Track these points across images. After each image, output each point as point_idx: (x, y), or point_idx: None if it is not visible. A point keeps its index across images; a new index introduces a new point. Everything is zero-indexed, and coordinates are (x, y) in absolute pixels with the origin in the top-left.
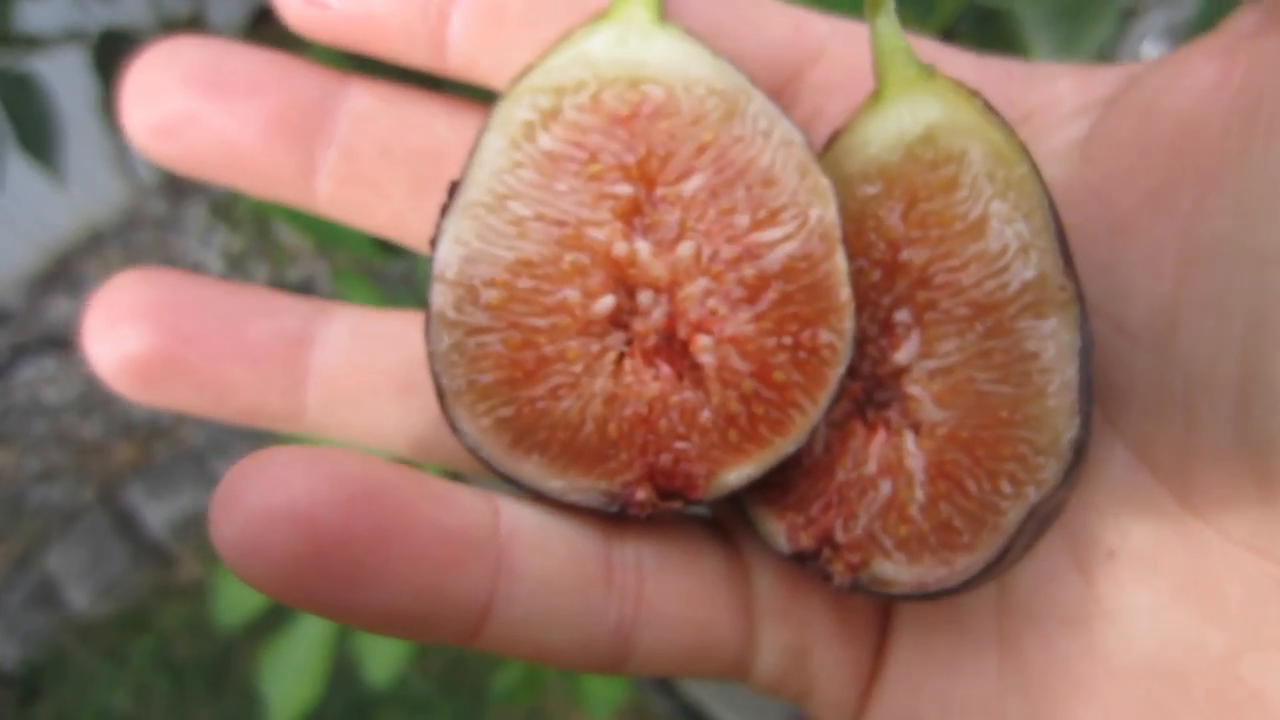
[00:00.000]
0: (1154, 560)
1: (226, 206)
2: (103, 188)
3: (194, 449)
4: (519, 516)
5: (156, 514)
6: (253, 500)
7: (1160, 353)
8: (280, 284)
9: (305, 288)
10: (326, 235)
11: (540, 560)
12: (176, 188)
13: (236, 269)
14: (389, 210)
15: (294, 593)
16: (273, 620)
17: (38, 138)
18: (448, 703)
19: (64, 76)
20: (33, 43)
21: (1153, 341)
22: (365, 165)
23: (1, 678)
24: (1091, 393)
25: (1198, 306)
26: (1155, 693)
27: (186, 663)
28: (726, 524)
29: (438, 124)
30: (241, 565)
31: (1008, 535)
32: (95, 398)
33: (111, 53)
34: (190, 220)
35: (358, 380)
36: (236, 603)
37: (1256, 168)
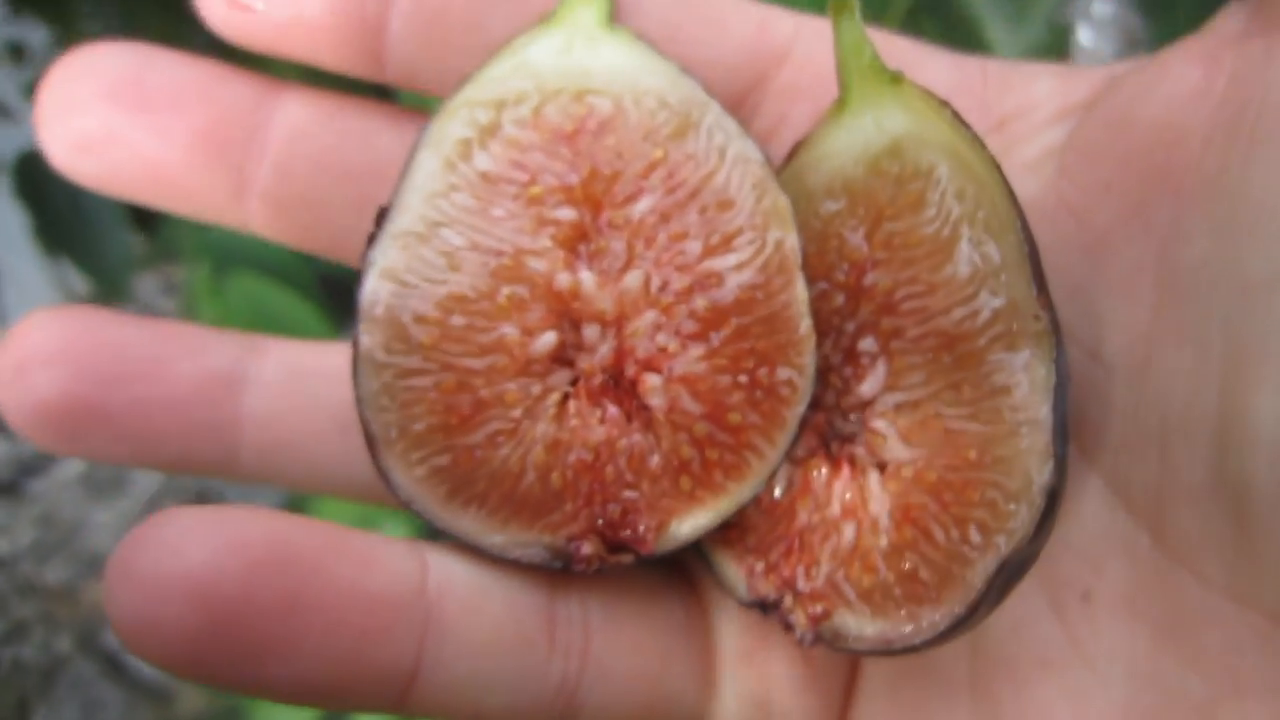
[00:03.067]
0: (1131, 603)
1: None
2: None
3: None
4: (450, 572)
5: None
6: (147, 569)
7: (1136, 385)
8: None
9: None
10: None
11: (473, 620)
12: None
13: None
14: (330, 231)
15: (193, 669)
16: None
17: None
18: None
19: None
20: None
21: (1128, 373)
22: (302, 184)
23: None
24: (1067, 433)
25: (1175, 337)
26: None
27: None
28: (686, 562)
29: (381, 137)
30: (135, 641)
31: (976, 590)
32: (51, 540)
33: (35, 176)
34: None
35: (295, 422)
36: None
37: (1237, 187)
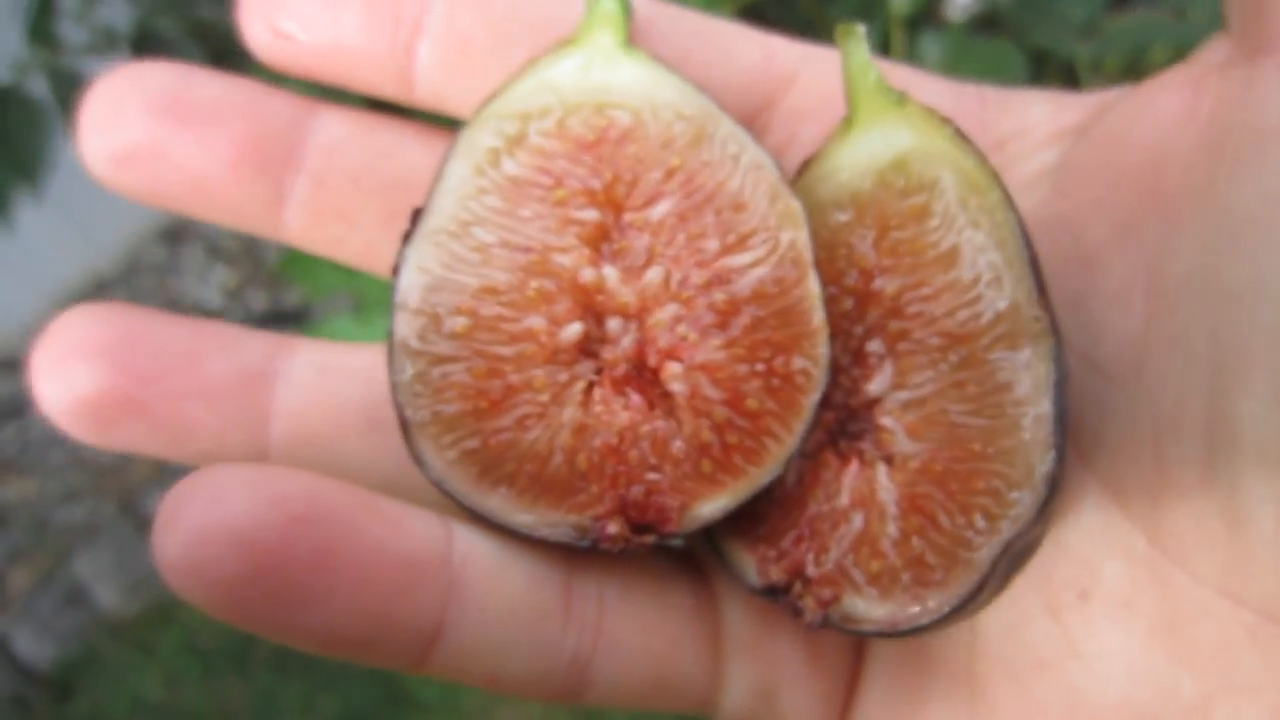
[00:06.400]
0: (1127, 603)
1: (221, 246)
2: (105, 237)
3: None
4: (474, 543)
5: None
6: (192, 520)
7: (1130, 391)
8: (277, 311)
9: (301, 313)
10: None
11: (494, 588)
12: (174, 234)
13: (235, 301)
14: (361, 241)
15: (234, 612)
16: None
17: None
18: None
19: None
20: None
21: (1122, 379)
22: (336, 195)
23: (37, 678)
24: (1066, 426)
25: (1165, 345)
26: None
27: (214, 648)
28: (697, 555)
29: (409, 152)
30: (181, 585)
31: (981, 572)
32: None
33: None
34: (188, 262)
35: (323, 418)
36: None
37: (1220, 204)
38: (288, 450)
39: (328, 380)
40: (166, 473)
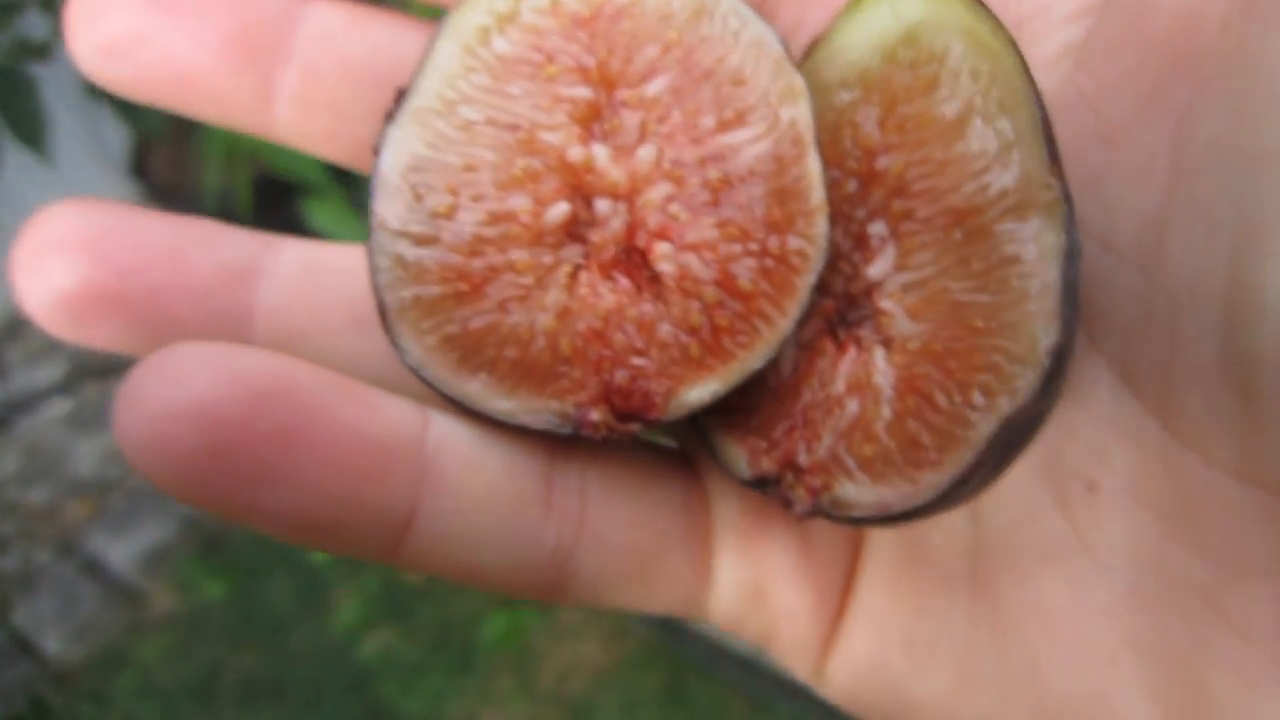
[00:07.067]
0: (1137, 491)
1: None
2: None
3: (152, 489)
4: (451, 430)
5: (121, 554)
6: (153, 396)
7: (1146, 269)
8: None
9: None
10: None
11: (470, 476)
12: None
13: None
14: (352, 136)
15: (194, 491)
16: None
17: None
18: (438, 662)
19: None
20: None
21: (1138, 258)
22: (327, 88)
23: None
24: (1076, 299)
25: (1186, 217)
26: (1132, 628)
27: (173, 687)
28: (689, 452)
29: (404, 45)
30: (141, 461)
31: (977, 450)
32: (36, 467)
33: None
34: None
35: (308, 315)
36: None
37: (1252, 63)
38: (271, 347)
39: (314, 278)
40: (105, 510)
